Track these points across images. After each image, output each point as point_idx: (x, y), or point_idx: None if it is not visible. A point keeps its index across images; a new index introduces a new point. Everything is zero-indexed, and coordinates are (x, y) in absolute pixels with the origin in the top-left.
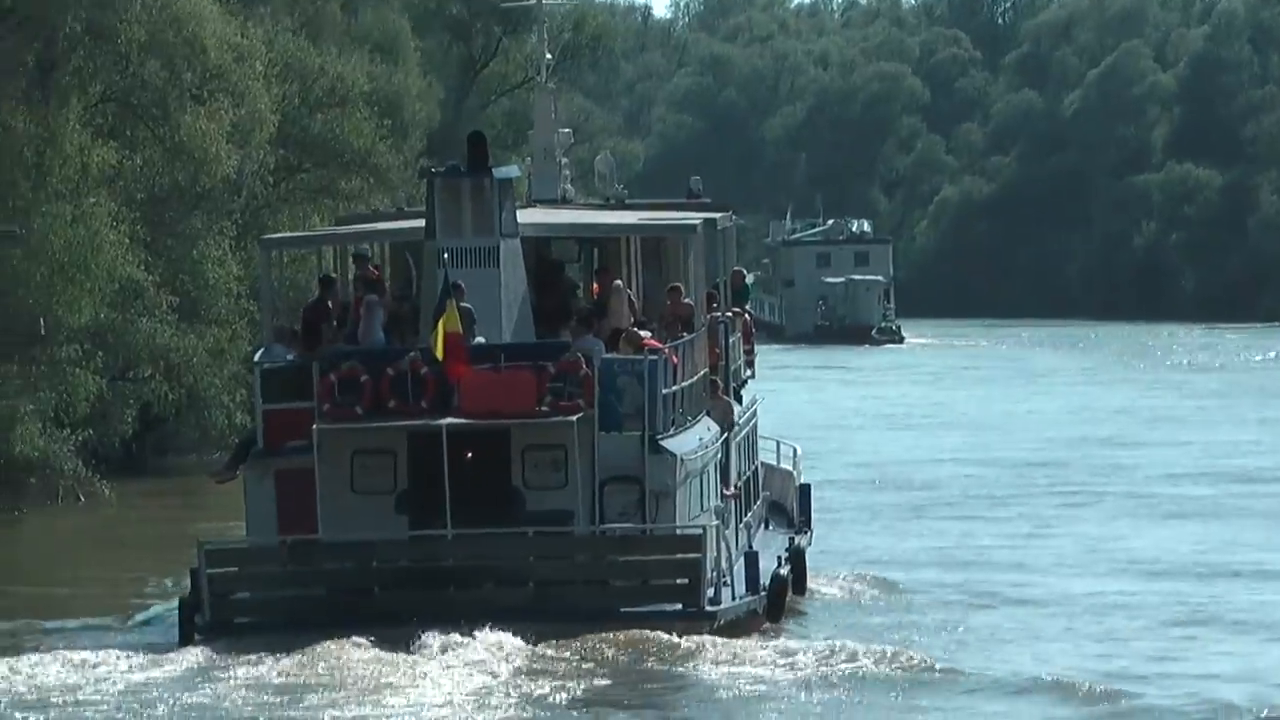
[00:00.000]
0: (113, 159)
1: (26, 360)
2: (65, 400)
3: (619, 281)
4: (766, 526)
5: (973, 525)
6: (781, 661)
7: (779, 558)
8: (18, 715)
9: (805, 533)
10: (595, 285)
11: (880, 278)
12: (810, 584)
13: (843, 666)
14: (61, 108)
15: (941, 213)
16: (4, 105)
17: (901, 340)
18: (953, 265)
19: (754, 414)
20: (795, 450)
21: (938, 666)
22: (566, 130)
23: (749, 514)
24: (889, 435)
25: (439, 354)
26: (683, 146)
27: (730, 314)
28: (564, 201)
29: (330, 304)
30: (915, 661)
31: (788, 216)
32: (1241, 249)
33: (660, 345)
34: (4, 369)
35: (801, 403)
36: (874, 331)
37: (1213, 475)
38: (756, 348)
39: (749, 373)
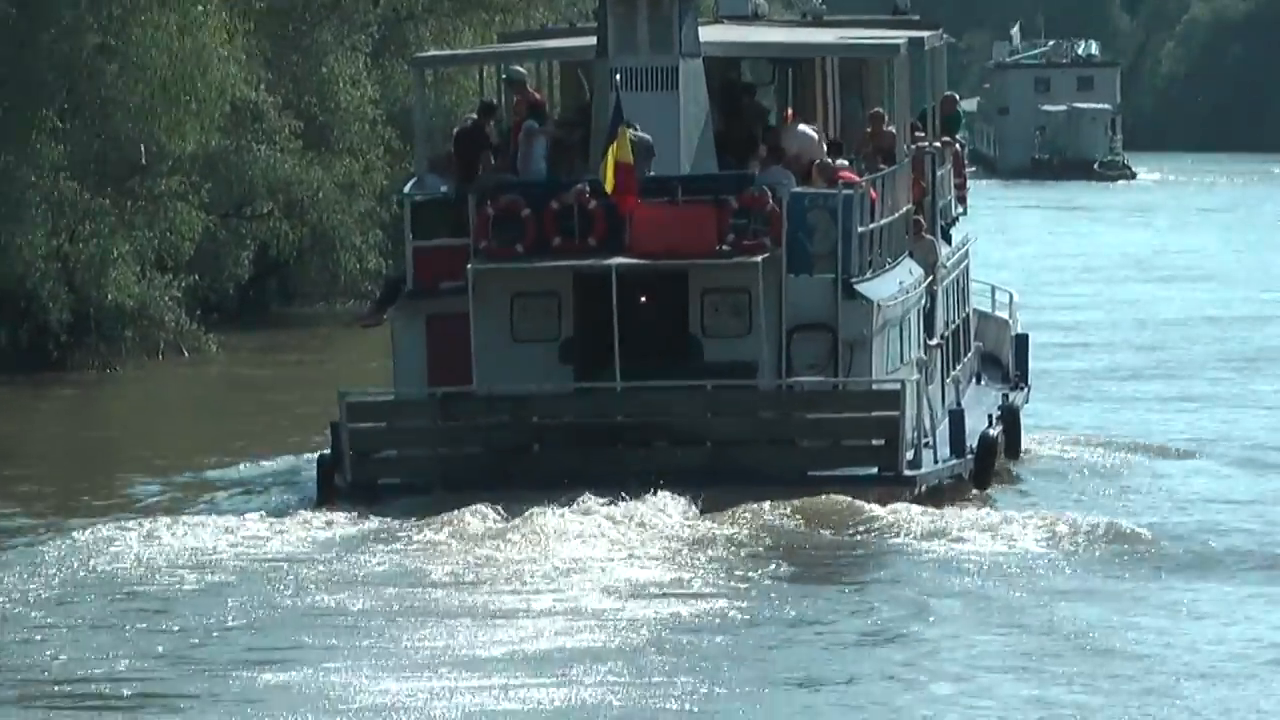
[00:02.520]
0: None
1: (123, 193)
2: (168, 240)
3: (803, 126)
4: (978, 381)
5: (1214, 387)
6: (989, 533)
7: (990, 416)
8: (141, 586)
9: (1022, 388)
10: (789, 112)
11: (1107, 105)
12: (1026, 446)
13: (1060, 541)
14: None
15: (1190, 34)
16: None
17: (1132, 176)
18: (1203, 94)
19: (965, 255)
20: (1011, 296)
21: (1168, 544)
22: None
23: (958, 367)
24: (1114, 284)
25: (608, 186)
26: None
27: (939, 144)
28: (755, 18)
29: (489, 133)
30: (1142, 536)
31: (1012, 36)
32: None
33: (857, 178)
34: (96, 203)
35: (1014, 245)
36: (1096, 166)
37: None
38: (969, 182)
39: (960, 209)
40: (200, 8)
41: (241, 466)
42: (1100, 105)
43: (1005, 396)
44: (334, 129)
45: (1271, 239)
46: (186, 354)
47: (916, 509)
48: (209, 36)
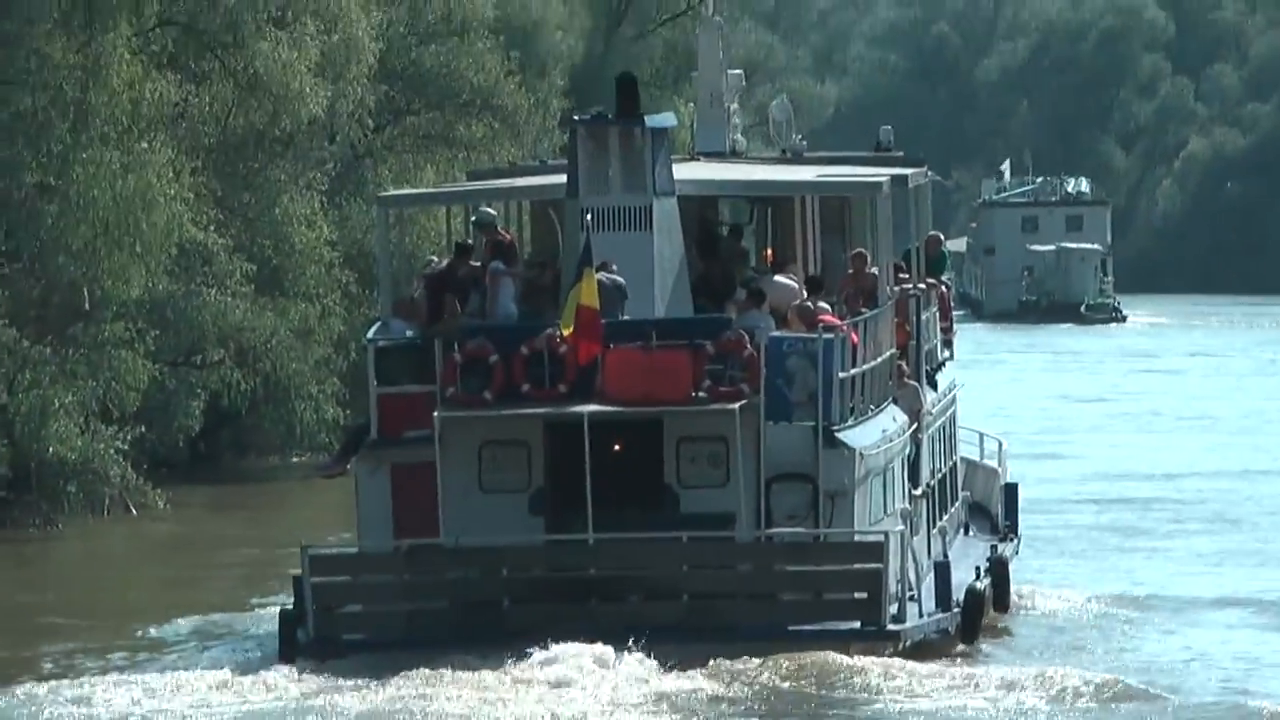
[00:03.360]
0: (172, 95)
1: (64, 341)
2: (112, 390)
3: (781, 277)
4: (966, 532)
5: (1207, 542)
6: (976, 690)
7: (977, 568)
8: None
9: (1010, 540)
10: (769, 253)
11: (1096, 245)
12: (1015, 599)
13: (1049, 698)
14: (108, 33)
15: (1188, 170)
16: (38, 30)
17: (1122, 319)
18: (1201, 232)
19: (953, 401)
20: (1000, 444)
21: (1161, 698)
22: (737, 72)
23: (944, 517)
24: (1105, 433)
25: (566, 330)
26: (882, 90)
27: (924, 285)
28: (733, 155)
29: (466, 275)
30: (1134, 692)
31: (1001, 173)
32: None
33: (838, 321)
34: (36, 351)
35: (1001, 391)
36: (1085, 308)
37: None
38: (955, 325)
39: (947, 353)
40: (145, 144)
41: (194, 624)
42: (1090, 245)
43: (994, 548)
44: (288, 272)
45: (1264, 386)
46: (134, 510)
47: (900, 664)
48: (154, 175)
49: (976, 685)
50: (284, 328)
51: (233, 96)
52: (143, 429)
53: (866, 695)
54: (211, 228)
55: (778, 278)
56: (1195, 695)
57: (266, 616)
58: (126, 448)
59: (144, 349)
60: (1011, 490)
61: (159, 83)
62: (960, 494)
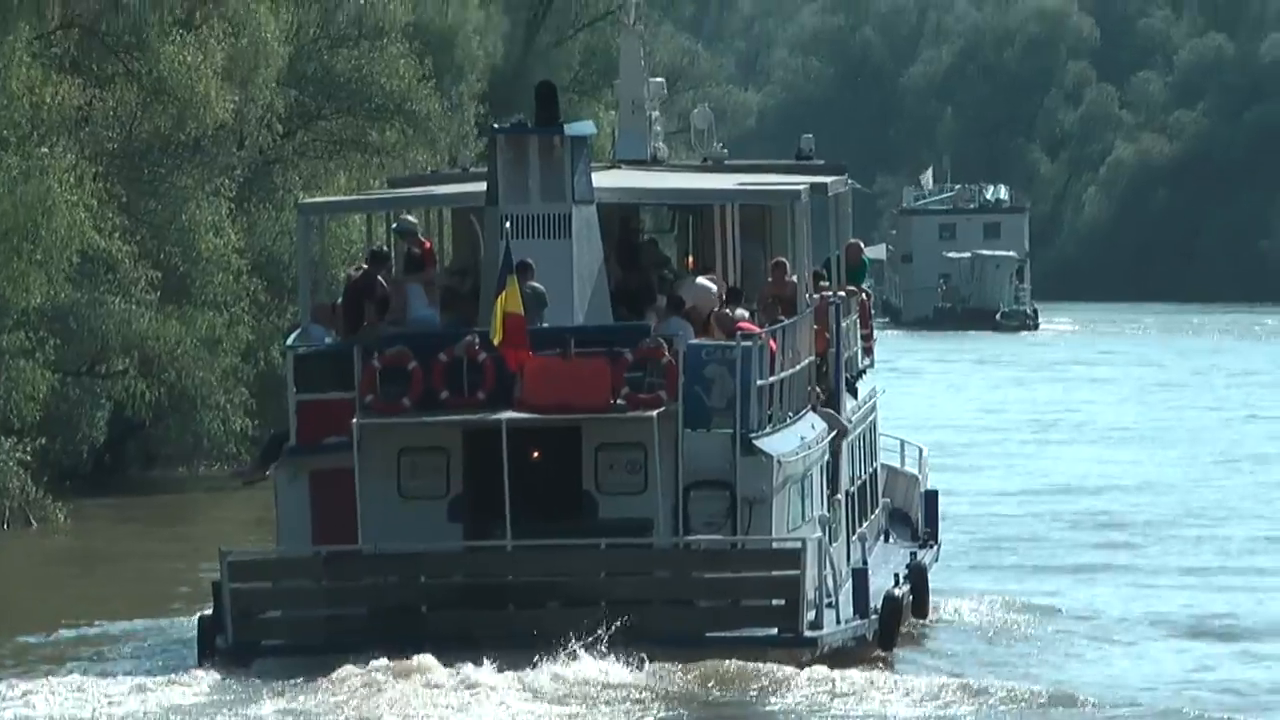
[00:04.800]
0: (75, 100)
1: None
2: (11, 400)
3: (702, 279)
4: (886, 539)
5: (1125, 555)
6: (892, 697)
7: (896, 575)
8: None
9: (931, 546)
10: (690, 260)
11: (1012, 253)
12: (934, 606)
13: (965, 704)
14: (7, 35)
15: (1114, 177)
16: None
17: (1034, 326)
18: (1127, 239)
19: (873, 409)
20: (921, 451)
21: (1075, 705)
22: (659, 80)
23: (864, 524)
24: (1014, 442)
25: (495, 338)
26: (807, 97)
27: (844, 293)
28: (654, 163)
29: (380, 283)
30: (1048, 697)
31: (923, 181)
32: None
33: (756, 329)
34: None
35: (918, 399)
36: (999, 315)
37: None
38: (875, 333)
39: (867, 361)
40: (45, 149)
41: (106, 632)
42: (1005, 252)
43: (913, 555)
44: (195, 280)
45: (1176, 396)
46: (34, 524)
47: (816, 671)
48: (55, 180)
49: (891, 692)
50: (190, 337)
51: (137, 101)
52: (44, 440)
53: (782, 702)
54: (116, 234)
55: (699, 280)
56: (1109, 703)
57: (181, 625)
58: (28, 459)
59: (44, 358)
60: (932, 497)
61: (61, 86)
62: (881, 501)
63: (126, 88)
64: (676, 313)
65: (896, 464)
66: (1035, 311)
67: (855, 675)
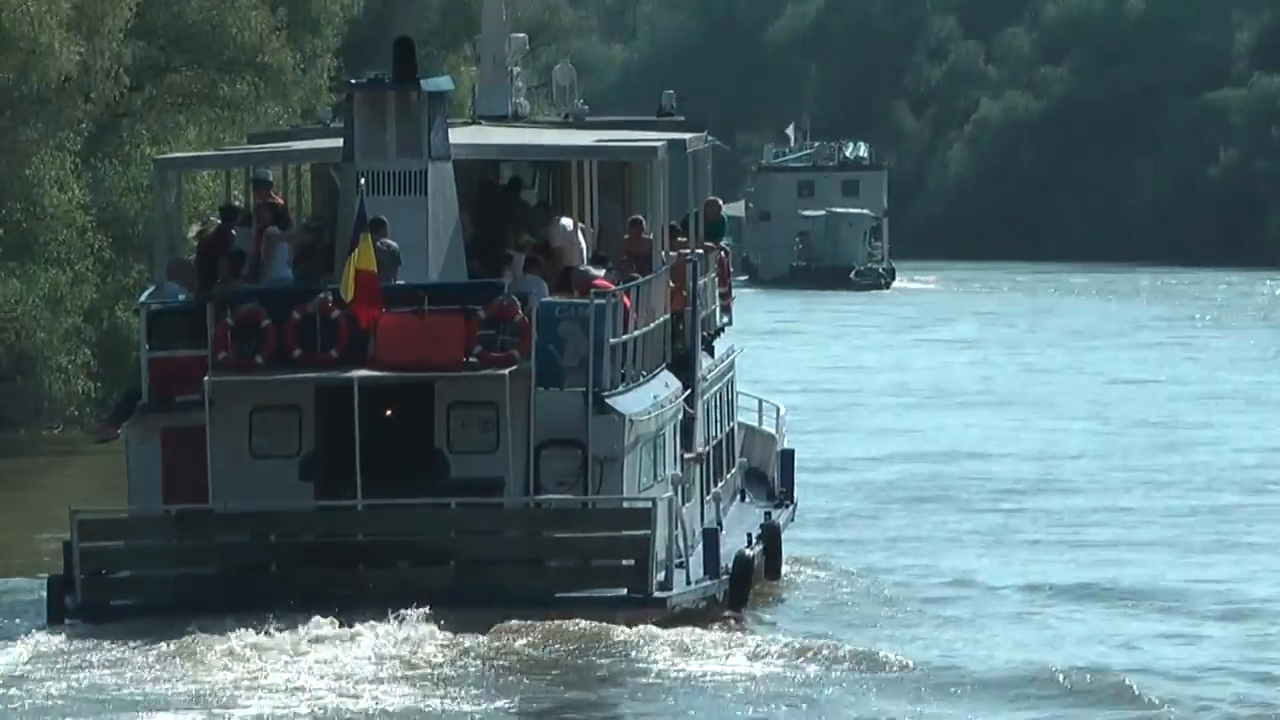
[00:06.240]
0: None
1: None
2: None
3: (566, 219)
4: (743, 498)
5: (969, 513)
6: (740, 657)
7: (749, 535)
8: None
9: (787, 506)
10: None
11: (866, 211)
12: (787, 567)
13: (811, 664)
14: None
15: (980, 134)
16: None
17: (886, 285)
18: (992, 198)
19: (730, 367)
20: (779, 410)
21: (919, 665)
22: (521, 35)
23: (719, 484)
24: (867, 403)
25: (347, 295)
26: (672, 53)
27: (701, 251)
28: (515, 119)
29: (232, 238)
30: (894, 660)
31: (787, 137)
32: None
33: (610, 287)
34: None
35: (772, 357)
36: (853, 274)
37: None
38: (733, 291)
39: (725, 319)
40: None
41: None
42: (860, 210)
43: (768, 515)
44: (38, 236)
45: (1031, 357)
46: None
47: (664, 631)
48: None
49: (739, 649)
50: (32, 295)
51: None
52: None
53: (629, 662)
54: None
55: (563, 220)
56: (958, 667)
57: (29, 585)
58: None
59: None
60: (788, 456)
61: None
62: (738, 460)
63: None
64: (535, 270)
65: (755, 423)
66: (891, 270)
67: (704, 635)
